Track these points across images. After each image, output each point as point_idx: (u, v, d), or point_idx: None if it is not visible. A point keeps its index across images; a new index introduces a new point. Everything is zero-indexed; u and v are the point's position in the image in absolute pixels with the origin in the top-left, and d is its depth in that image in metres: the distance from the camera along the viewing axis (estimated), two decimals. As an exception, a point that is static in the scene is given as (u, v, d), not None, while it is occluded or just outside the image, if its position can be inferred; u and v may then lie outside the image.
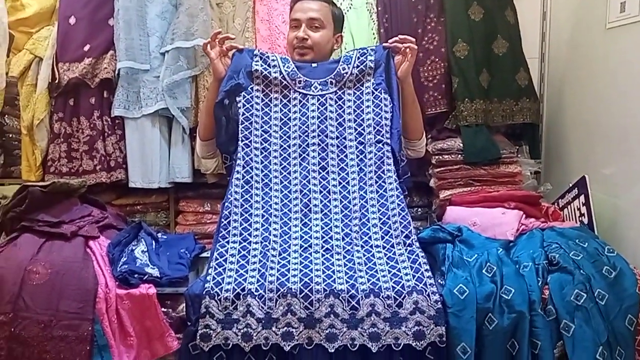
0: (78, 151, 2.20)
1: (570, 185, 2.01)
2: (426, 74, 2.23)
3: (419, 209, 2.37)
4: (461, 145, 2.14)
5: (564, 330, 1.44)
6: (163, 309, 1.52)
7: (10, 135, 2.31)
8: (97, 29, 2.19)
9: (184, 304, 1.52)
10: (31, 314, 1.42)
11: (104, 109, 2.21)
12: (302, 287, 1.48)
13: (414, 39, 1.86)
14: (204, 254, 1.89)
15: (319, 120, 1.81)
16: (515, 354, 1.44)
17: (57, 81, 2.17)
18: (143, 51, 2.20)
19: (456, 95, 2.19)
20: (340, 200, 1.72)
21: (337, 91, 1.84)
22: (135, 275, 1.53)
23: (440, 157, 2.15)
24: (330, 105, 1.83)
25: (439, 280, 1.62)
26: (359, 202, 1.71)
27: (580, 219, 1.87)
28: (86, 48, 2.18)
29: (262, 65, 1.83)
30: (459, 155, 2.14)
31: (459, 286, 1.50)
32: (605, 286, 1.47)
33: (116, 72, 2.18)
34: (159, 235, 1.84)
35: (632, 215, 1.80)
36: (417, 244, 1.65)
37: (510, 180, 2.14)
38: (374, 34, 2.26)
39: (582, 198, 1.88)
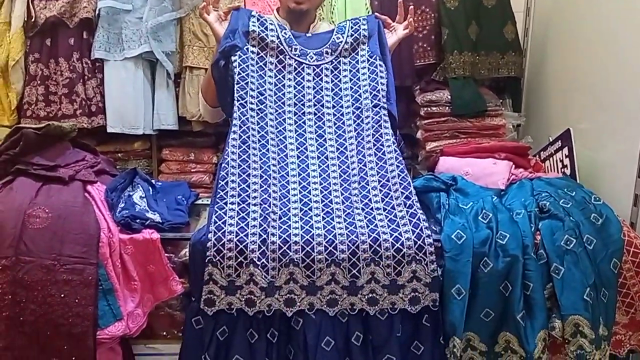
0: (57, 94, 2.11)
1: (551, 138, 2.08)
2: (416, 24, 2.23)
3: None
4: (449, 97, 2.17)
5: (554, 273, 1.51)
6: (165, 255, 1.51)
7: (-19, 77, 2.19)
8: (75, -37, 2.07)
9: (187, 250, 1.52)
10: (34, 258, 1.39)
11: (84, 51, 2.12)
12: (304, 257, 1.48)
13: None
14: (199, 201, 1.88)
15: (315, 90, 1.79)
16: (508, 295, 1.51)
17: (32, 20, 2.05)
18: (125, -10, 2.10)
19: (445, 46, 2.20)
20: (339, 165, 1.71)
21: (333, 61, 1.82)
22: (137, 221, 1.50)
23: (429, 108, 2.19)
24: (326, 75, 1.81)
25: (433, 227, 1.68)
26: (358, 166, 1.70)
27: (563, 170, 1.95)
28: (63, -16, 2.06)
29: (259, 27, 1.78)
30: (447, 107, 2.18)
31: (457, 232, 1.54)
32: (593, 232, 1.55)
33: (96, 12, 2.08)
34: (154, 182, 1.80)
35: (610, 167, 1.88)
36: (418, 204, 1.63)
37: (495, 132, 2.20)
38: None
39: (565, 150, 1.95)
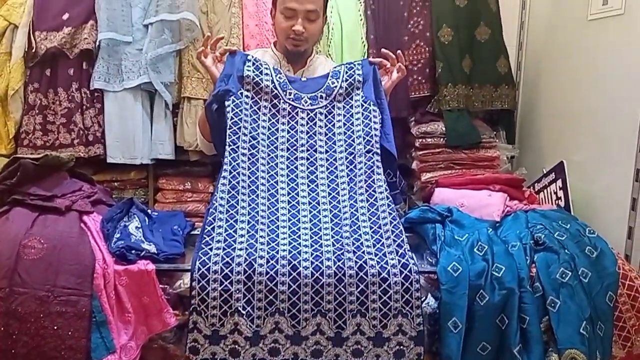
0: (54, 124, 2.13)
1: (545, 170, 2.10)
2: (411, 58, 2.27)
3: (398, 191, 2.42)
4: (444, 129, 2.20)
5: (550, 306, 1.51)
6: (160, 286, 1.50)
7: (-20, 106, 2.20)
8: (77, -4, 2.11)
9: (181, 282, 1.51)
10: (28, 289, 1.37)
11: (83, 81, 2.14)
12: (290, 307, 1.48)
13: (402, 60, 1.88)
14: (194, 232, 1.87)
15: (308, 135, 1.79)
16: (505, 328, 1.50)
17: (33, 50, 2.08)
18: (125, 22, 2.14)
19: (439, 79, 2.24)
20: (330, 210, 1.69)
21: (327, 105, 1.82)
22: (133, 252, 1.49)
23: (424, 140, 2.21)
24: (320, 120, 1.81)
25: (428, 258, 1.68)
26: (349, 210, 1.67)
27: (557, 202, 1.96)
28: (65, 17, 2.10)
29: (254, 72, 1.79)
30: (442, 139, 2.20)
31: (452, 264, 1.55)
32: (588, 265, 1.55)
33: (97, 43, 2.11)
34: (150, 211, 1.80)
35: (603, 199, 1.90)
36: (410, 253, 1.59)
37: (489, 164, 2.23)
38: (360, 15, 2.28)
39: (559, 182, 1.97)
